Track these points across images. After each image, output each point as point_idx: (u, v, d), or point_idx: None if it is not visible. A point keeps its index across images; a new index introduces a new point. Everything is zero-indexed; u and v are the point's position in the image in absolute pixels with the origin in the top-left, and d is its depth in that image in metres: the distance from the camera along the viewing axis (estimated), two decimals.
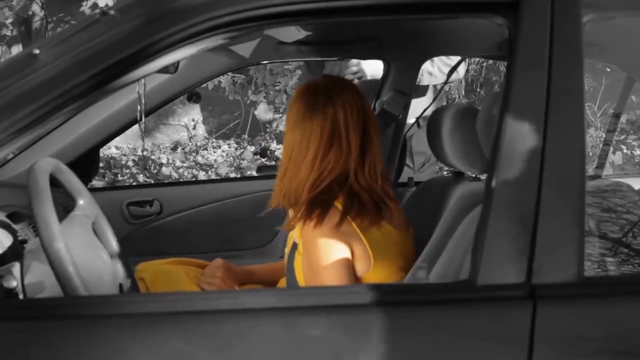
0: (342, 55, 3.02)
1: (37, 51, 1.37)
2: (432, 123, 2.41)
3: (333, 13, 1.51)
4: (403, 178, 3.20)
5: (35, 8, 6.70)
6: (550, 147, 1.43)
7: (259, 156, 8.07)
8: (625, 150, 7.70)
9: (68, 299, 1.43)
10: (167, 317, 1.31)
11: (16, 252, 1.82)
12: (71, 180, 1.84)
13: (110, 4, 5.20)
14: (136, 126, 3.04)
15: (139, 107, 2.10)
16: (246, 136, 8.32)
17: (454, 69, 2.99)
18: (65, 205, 2.11)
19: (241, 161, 7.76)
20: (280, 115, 8.28)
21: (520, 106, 1.47)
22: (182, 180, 7.05)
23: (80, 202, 1.85)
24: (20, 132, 1.37)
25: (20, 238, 2.01)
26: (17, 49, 7.29)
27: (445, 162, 2.39)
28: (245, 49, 2.60)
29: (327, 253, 1.84)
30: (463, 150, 2.17)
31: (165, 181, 6.69)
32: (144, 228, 3.03)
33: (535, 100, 1.46)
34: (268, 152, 8.13)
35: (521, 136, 1.44)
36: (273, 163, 7.47)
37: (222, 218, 3.10)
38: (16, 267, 1.63)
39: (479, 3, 1.53)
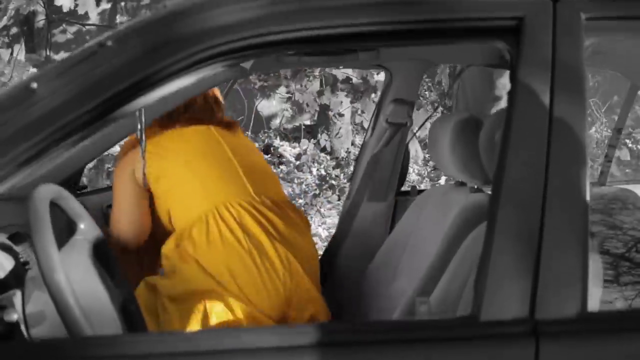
0: (343, 65, 3.01)
1: (34, 85, 1.36)
2: (433, 134, 2.41)
3: (333, 40, 1.50)
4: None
5: (37, 7, 6.68)
6: (552, 177, 1.42)
7: (262, 153, 8.05)
8: (630, 145, 7.66)
9: (70, 341, 1.42)
10: (169, 358, 1.30)
11: (18, 275, 1.82)
12: (72, 205, 1.83)
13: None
14: None
15: (138, 126, 2.09)
16: (249, 133, 8.30)
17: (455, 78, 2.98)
18: (66, 230, 2.11)
19: None
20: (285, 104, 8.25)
21: (523, 132, 1.45)
22: None
23: (81, 226, 1.85)
24: (20, 168, 1.36)
25: (22, 260, 2.00)
26: (18, 48, 7.26)
27: (447, 172, 2.38)
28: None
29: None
30: (464, 162, 2.17)
31: None
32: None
33: (538, 126, 1.45)
34: (272, 149, 8.11)
35: (524, 165, 1.43)
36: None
37: None
38: (17, 296, 1.63)
39: (480, 29, 1.52)
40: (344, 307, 2.83)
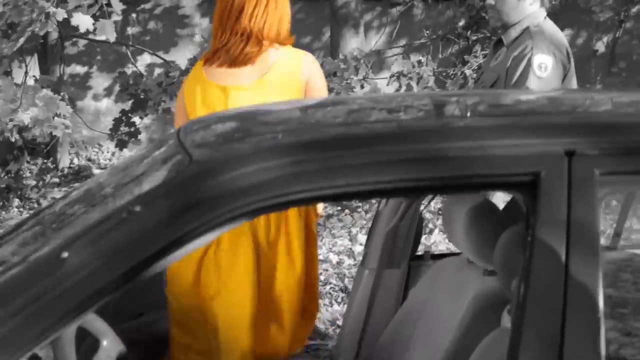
0: None
1: (65, 255, 1.41)
2: (447, 215, 2.46)
3: (354, 195, 1.54)
4: None
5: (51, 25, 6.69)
6: (569, 334, 1.46)
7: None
8: None
9: None
10: None
11: None
12: (96, 325, 1.88)
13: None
14: None
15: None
16: None
17: None
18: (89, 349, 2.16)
19: None
20: None
21: (539, 286, 1.50)
22: None
23: (104, 343, 1.90)
24: (49, 335, 1.41)
25: None
26: (33, 61, 7.26)
27: (461, 251, 2.44)
28: None
29: None
30: (478, 248, 2.22)
31: None
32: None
33: (554, 280, 1.49)
34: None
35: (540, 317, 1.48)
36: None
37: None
38: None
39: (497, 183, 1.57)
40: None
